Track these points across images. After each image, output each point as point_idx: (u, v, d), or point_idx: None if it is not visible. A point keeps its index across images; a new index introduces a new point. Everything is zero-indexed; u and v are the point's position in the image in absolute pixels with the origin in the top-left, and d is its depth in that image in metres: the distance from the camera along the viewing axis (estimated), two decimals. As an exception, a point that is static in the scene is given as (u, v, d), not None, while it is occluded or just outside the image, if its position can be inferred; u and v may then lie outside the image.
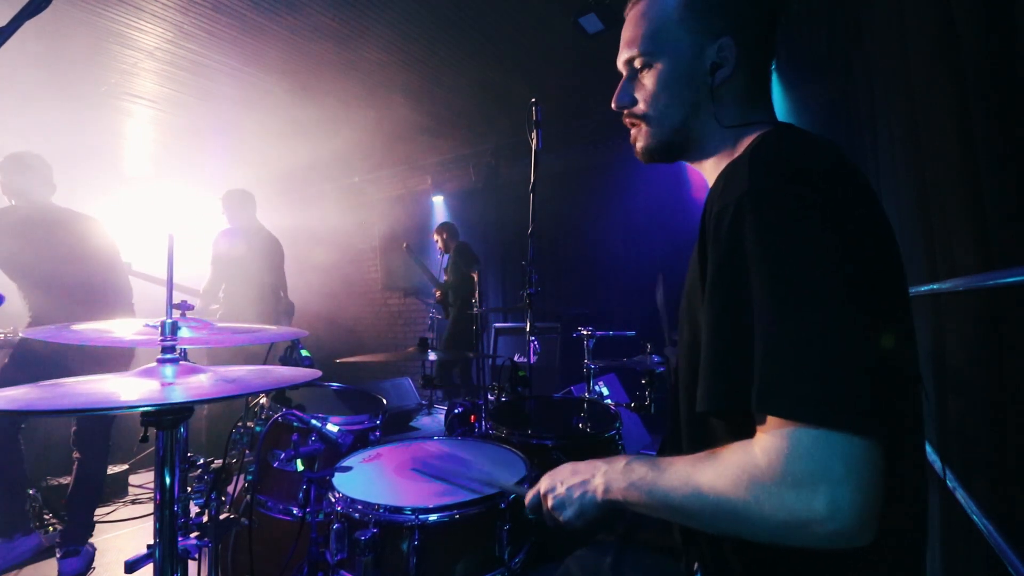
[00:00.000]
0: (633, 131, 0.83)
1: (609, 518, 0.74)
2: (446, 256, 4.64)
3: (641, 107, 0.80)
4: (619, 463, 0.70)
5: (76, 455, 2.29)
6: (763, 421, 0.55)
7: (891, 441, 0.53)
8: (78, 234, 2.39)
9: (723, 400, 0.59)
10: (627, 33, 0.80)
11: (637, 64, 0.79)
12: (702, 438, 0.69)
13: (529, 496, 0.86)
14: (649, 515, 0.65)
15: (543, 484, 0.82)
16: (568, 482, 0.76)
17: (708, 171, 0.81)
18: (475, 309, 2.65)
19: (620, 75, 0.84)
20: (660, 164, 0.85)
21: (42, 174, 2.36)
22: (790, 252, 0.55)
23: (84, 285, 2.35)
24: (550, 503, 0.78)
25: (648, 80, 0.78)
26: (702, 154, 0.81)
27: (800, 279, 0.54)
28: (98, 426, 2.35)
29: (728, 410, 0.59)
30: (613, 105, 0.83)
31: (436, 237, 4.70)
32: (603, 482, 0.71)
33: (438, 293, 4.60)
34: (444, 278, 4.57)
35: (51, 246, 2.28)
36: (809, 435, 0.51)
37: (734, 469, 0.56)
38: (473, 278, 4.18)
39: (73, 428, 2.33)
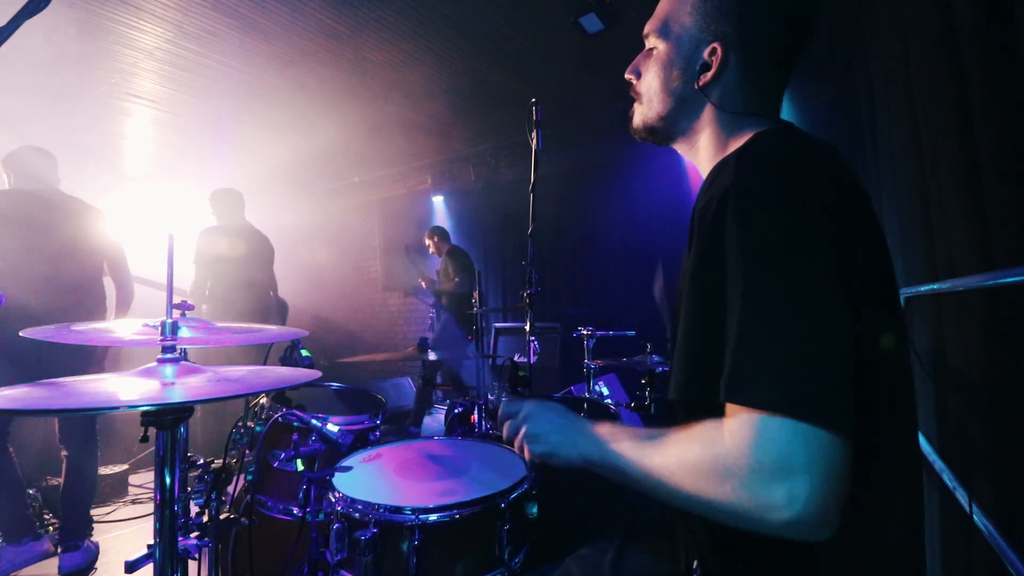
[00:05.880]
0: (635, 104, 0.85)
1: (577, 472, 0.73)
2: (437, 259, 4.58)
3: (639, 85, 0.83)
4: (604, 427, 0.70)
5: (63, 453, 2.26)
6: (731, 409, 0.56)
7: (878, 437, 0.53)
8: (77, 226, 2.34)
9: (693, 389, 0.60)
10: (657, 8, 0.82)
11: (648, 43, 0.81)
12: None
13: (506, 428, 0.82)
14: (622, 482, 0.65)
15: (527, 407, 0.79)
16: (554, 421, 0.76)
17: (702, 167, 0.81)
18: (475, 309, 2.64)
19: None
20: (657, 150, 0.87)
21: (47, 164, 2.38)
22: (766, 244, 0.56)
23: (72, 283, 2.29)
24: (526, 429, 0.77)
25: (650, 61, 0.81)
26: (691, 147, 0.82)
27: (774, 271, 0.55)
28: (80, 422, 2.31)
29: (699, 399, 0.59)
30: (626, 74, 0.86)
31: (427, 241, 4.62)
32: (584, 441, 0.71)
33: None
34: (438, 282, 4.49)
35: (47, 236, 2.23)
36: (772, 423, 0.51)
37: (702, 447, 0.57)
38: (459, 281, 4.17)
39: (56, 426, 2.29)
